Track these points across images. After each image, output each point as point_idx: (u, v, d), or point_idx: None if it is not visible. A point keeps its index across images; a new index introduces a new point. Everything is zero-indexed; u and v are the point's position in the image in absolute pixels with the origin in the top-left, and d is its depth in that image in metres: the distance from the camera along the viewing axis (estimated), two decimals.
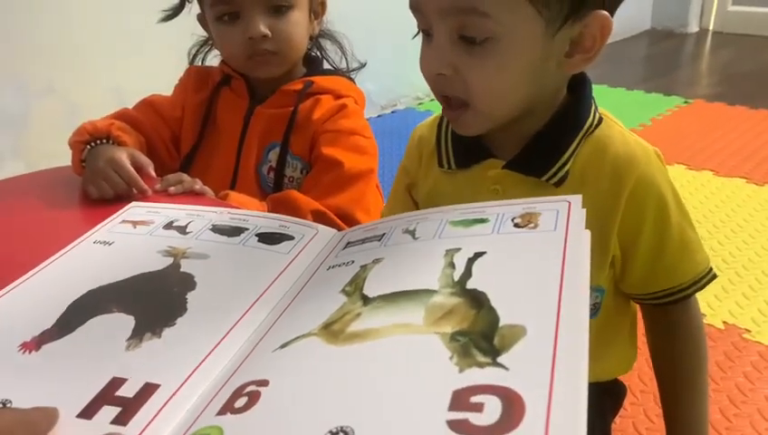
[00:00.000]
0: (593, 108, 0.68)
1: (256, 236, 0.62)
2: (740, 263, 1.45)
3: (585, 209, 0.49)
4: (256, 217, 0.67)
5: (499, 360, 0.34)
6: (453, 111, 0.64)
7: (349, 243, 0.58)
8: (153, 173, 0.83)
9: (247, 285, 0.54)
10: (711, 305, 1.30)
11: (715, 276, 0.72)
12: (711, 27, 3.76)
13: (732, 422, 1.03)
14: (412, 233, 0.53)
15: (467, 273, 0.44)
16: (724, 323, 1.26)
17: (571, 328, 0.36)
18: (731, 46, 3.46)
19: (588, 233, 0.46)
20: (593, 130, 0.67)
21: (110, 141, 0.88)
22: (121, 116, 0.96)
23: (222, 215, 0.67)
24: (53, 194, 0.85)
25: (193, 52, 1.05)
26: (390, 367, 0.37)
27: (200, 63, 1.06)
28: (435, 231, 0.52)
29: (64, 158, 0.94)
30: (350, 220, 0.89)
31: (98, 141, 0.88)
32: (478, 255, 0.46)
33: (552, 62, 0.62)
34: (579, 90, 0.68)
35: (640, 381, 1.11)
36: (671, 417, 0.78)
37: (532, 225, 0.48)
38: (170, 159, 1.01)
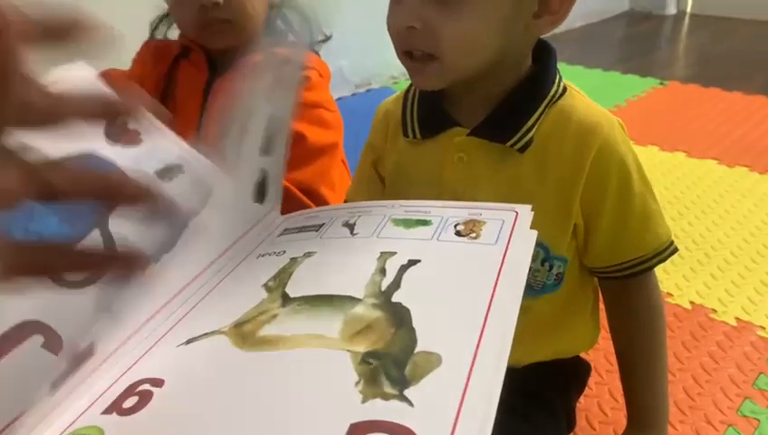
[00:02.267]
0: (557, 77, 0.68)
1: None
2: (709, 244, 1.46)
3: (533, 216, 0.47)
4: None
5: (406, 392, 0.32)
6: (417, 64, 0.63)
7: (286, 230, 0.55)
8: None
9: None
10: (679, 286, 1.31)
11: (676, 249, 0.72)
12: (689, 9, 3.78)
13: (695, 401, 1.04)
14: (351, 227, 0.50)
15: (396, 283, 0.41)
16: (692, 303, 1.27)
17: (487, 363, 0.33)
18: (707, 28, 3.47)
19: (532, 240, 0.44)
20: (557, 99, 0.67)
21: None
22: None
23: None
24: None
25: (154, 24, 1.02)
26: (292, 386, 0.35)
27: (162, 38, 1.03)
28: (374, 228, 0.49)
29: None
30: (314, 196, 0.87)
31: None
32: (412, 262, 0.43)
33: (520, 23, 0.62)
34: (543, 59, 0.68)
35: (606, 361, 1.11)
36: (630, 393, 0.78)
37: (473, 235, 0.45)
38: None
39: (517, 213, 0.47)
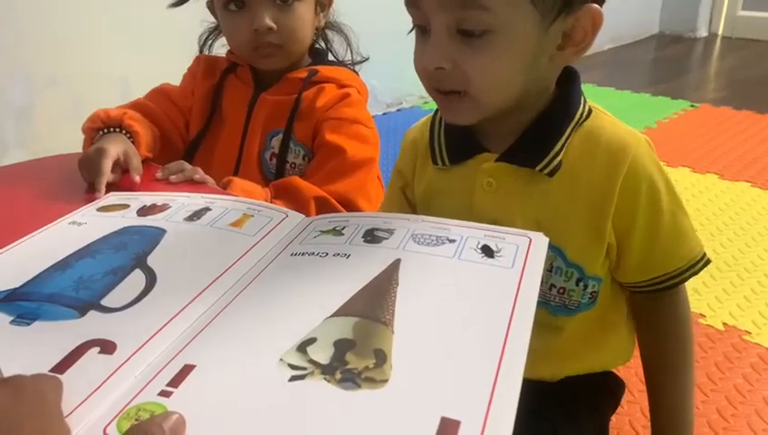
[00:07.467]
0: (582, 100, 0.69)
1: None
2: (742, 265, 1.45)
3: (546, 245, 0.50)
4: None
5: None
6: (447, 99, 0.64)
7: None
8: (137, 179, 0.82)
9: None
10: (711, 307, 1.30)
11: (709, 262, 0.72)
12: (720, 32, 3.76)
13: (729, 422, 1.03)
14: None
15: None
16: (725, 324, 1.26)
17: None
18: (739, 51, 3.45)
19: (540, 268, 0.47)
20: (584, 121, 0.68)
21: (122, 130, 0.88)
22: (136, 106, 0.97)
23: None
24: (56, 181, 0.85)
25: (203, 38, 1.06)
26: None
27: (207, 52, 1.07)
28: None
29: (68, 148, 0.94)
30: (351, 207, 0.90)
31: (110, 129, 0.88)
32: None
33: (545, 55, 0.63)
34: (568, 83, 0.69)
35: (638, 379, 1.10)
36: (656, 406, 0.79)
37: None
38: (185, 146, 1.02)
39: (530, 239, 0.50)
